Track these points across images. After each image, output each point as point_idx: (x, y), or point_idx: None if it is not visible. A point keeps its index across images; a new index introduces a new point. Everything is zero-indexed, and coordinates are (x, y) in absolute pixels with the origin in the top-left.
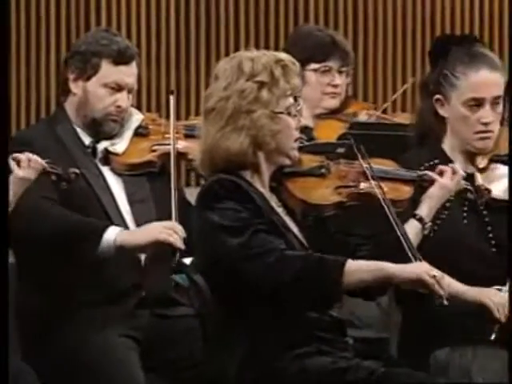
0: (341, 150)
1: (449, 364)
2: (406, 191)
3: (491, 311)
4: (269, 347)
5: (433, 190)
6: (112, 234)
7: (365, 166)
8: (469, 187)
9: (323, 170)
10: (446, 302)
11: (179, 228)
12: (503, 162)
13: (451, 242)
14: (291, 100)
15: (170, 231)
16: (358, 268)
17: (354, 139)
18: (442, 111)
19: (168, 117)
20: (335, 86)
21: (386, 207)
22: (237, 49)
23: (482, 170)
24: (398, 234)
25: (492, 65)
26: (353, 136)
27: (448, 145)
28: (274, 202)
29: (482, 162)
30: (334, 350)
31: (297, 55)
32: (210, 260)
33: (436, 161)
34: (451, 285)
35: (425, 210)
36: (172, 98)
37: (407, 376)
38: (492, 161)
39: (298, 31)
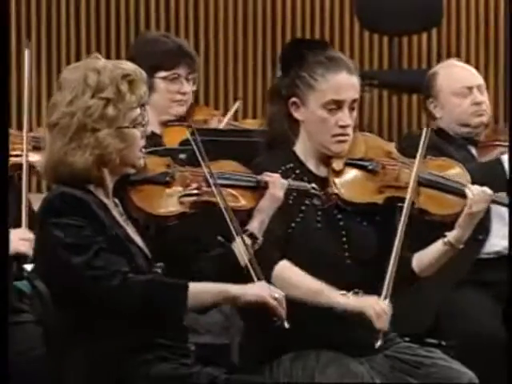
0: (182, 156)
1: (292, 369)
2: (249, 199)
3: (372, 321)
4: (111, 355)
5: (263, 203)
6: None
7: (207, 172)
8: (316, 192)
9: (168, 178)
10: (286, 325)
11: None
12: (358, 166)
13: (305, 248)
14: (138, 111)
15: (27, 243)
16: (201, 291)
17: (196, 145)
18: (297, 114)
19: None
20: (183, 93)
21: (227, 218)
22: (78, 53)
23: (337, 173)
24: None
25: (350, 68)
26: (196, 142)
27: (300, 148)
28: (117, 212)
29: (337, 165)
30: (175, 357)
31: (144, 63)
32: (53, 275)
33: (290, 165)
34: (331, 296)
35: (256, 224)
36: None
37: (249, 382)
38: (347, 164)
39: (144, 38)
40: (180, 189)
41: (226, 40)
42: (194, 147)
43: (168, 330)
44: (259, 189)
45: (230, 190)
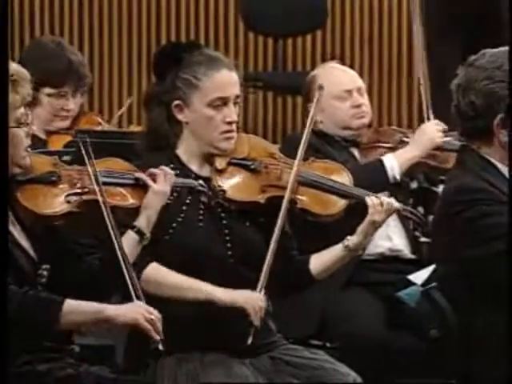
0: (67, 158)
1: (177, 371)
2: (138, 197)
3: (249, 316)
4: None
5: (148, 199)
6: None
7: (91, 171)
8: (203, 189)
9: (53, 178)
10: (161, 347)
11: None
12: (241, 166)
13: (188, 247)
14: (22, 110)
15: None
16: (76, 310)
17: (82, 143)
18: (181, 116)
19: None
20: (67, 110)
21: (107, 219)
22: None
23: (220, 172)
24: (118, 254)
25: (229, 65)
26: (82, 140)
27: (183, 150)
28: None
29: (220, 164)
30: (61, 358)
31: (32, 75)
32: None
33: (171, 166)
34: (208, 290)
35: (143, 221)
36: None
37: (136, 382)
38: (230, 164)
39: (34, 49)
40: (66, 188)
41: (110, 42)
42: (81, 145)
43: (42, 341)
44: (146, 186)
45: (118, 189)
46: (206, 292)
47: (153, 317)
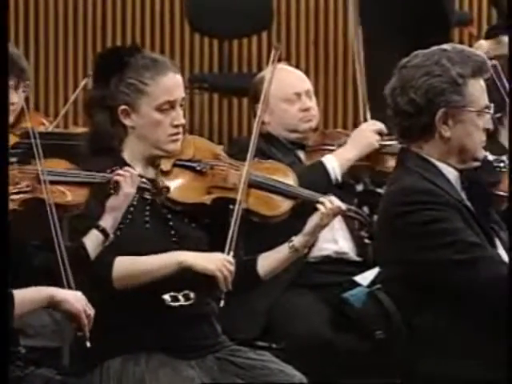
0: (13, 160)
1: (122, 372)
2: (78, 194)
3: (218, 281)
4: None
5: (117, 201)
6: None
7: (39, 169)
8: (146, 186)
9: None
10: (88, 344)
11: None
12: (186, 167)
13: (135, 248)
14: None
15: None
16: (26, 298)
17: (33, 140)
18: (127, 121)
19: None
20: (11, 104)
21: (50, 216)
22: None
23: (166, 174)
24: (57, 249)
25: (174, 68)
26: (26, 144)
27: (128, 153)
28: None
29: (165, 166)
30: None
31: None
32: None
33: (116, 167)
34: (180, 259)
35: (109, 221)
36: None
37: None
38: (176, 165)
39: None
40: (9, 187)
41: (56, 43)
42: (33, 142)
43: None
44: (87, 184)
45: (58, 187)
46: (179, 262)
47: (91, 312)
